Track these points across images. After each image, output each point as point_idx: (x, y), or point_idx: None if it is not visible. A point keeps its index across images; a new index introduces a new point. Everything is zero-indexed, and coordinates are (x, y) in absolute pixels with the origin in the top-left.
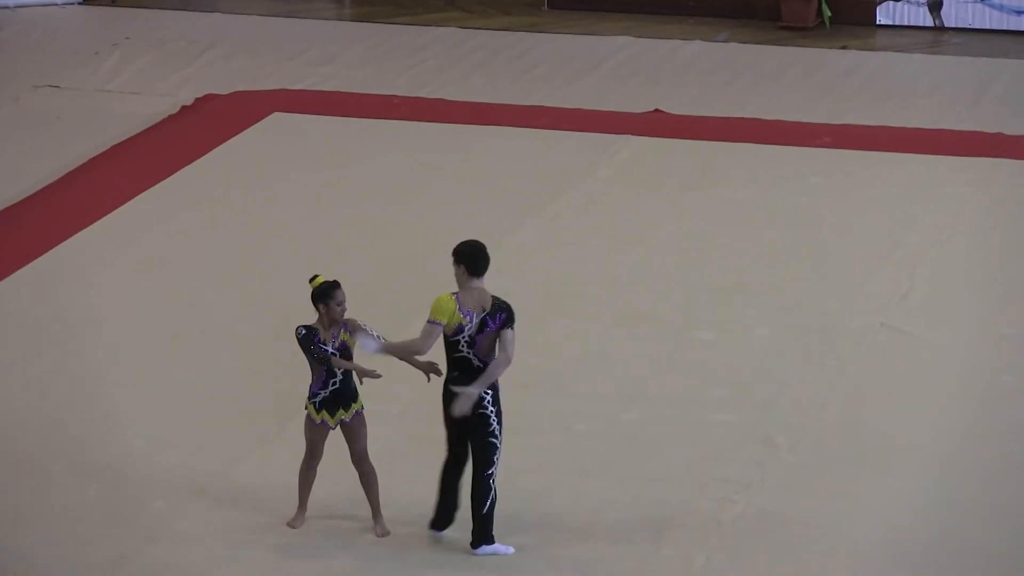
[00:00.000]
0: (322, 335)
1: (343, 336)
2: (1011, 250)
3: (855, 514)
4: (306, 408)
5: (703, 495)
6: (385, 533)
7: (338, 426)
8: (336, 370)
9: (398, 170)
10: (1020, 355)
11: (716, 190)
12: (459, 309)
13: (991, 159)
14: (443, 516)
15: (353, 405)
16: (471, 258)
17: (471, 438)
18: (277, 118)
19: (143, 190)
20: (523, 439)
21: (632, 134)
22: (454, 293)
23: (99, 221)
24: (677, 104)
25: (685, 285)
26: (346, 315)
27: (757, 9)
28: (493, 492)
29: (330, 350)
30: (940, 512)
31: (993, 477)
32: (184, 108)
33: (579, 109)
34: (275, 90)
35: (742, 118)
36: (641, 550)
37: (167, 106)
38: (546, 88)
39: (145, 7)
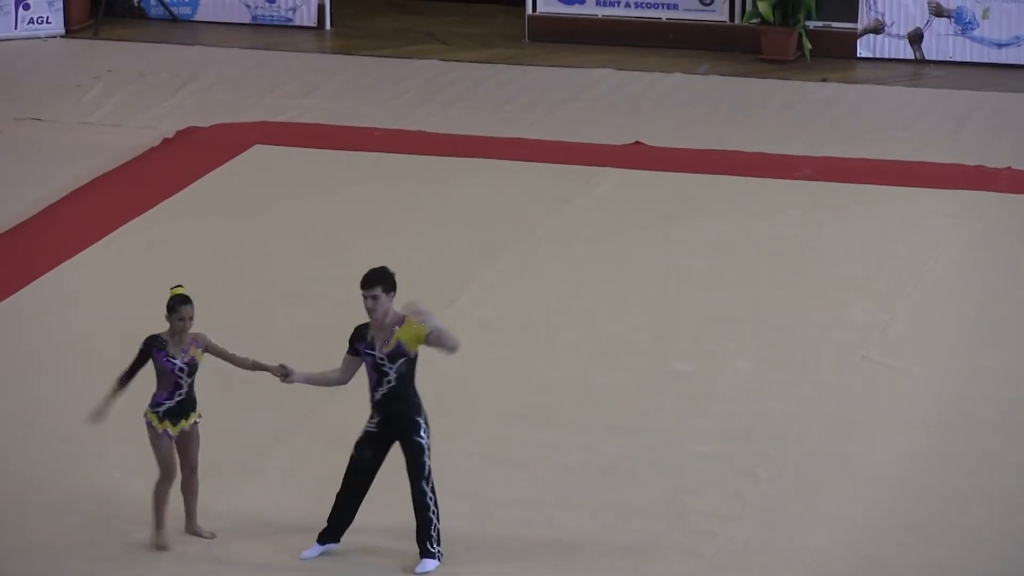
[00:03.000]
0: (169, 348)
1: (193, 351)
2: (991, 283)
3: (835, 545)
4: (146, 416)
5: (683, 527)
6: (211, 535)
7: (178, 435)
8: (182, 382)
9: (378, 201)
10: (999, 387)
11: (696, 222)
12: None
13: (971, 191)
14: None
15: (192, 415)
16: (393, 281)
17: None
18: (258, 150)
19: (125, 222)
20: (504, 471)
21: (612, 166)
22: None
23: (82, 252)
24: (657, 136)
25: (665, 316)
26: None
27: (737, 42)
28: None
29: (178, 363)
30: (920, 541)
31: (970, 506)
32: (166, 140)
33: (559, 141)
34: (256, 122)
35: (722, 150)
36: None
37: (149, 138)
38: (526, 120)
39: (127, 40)
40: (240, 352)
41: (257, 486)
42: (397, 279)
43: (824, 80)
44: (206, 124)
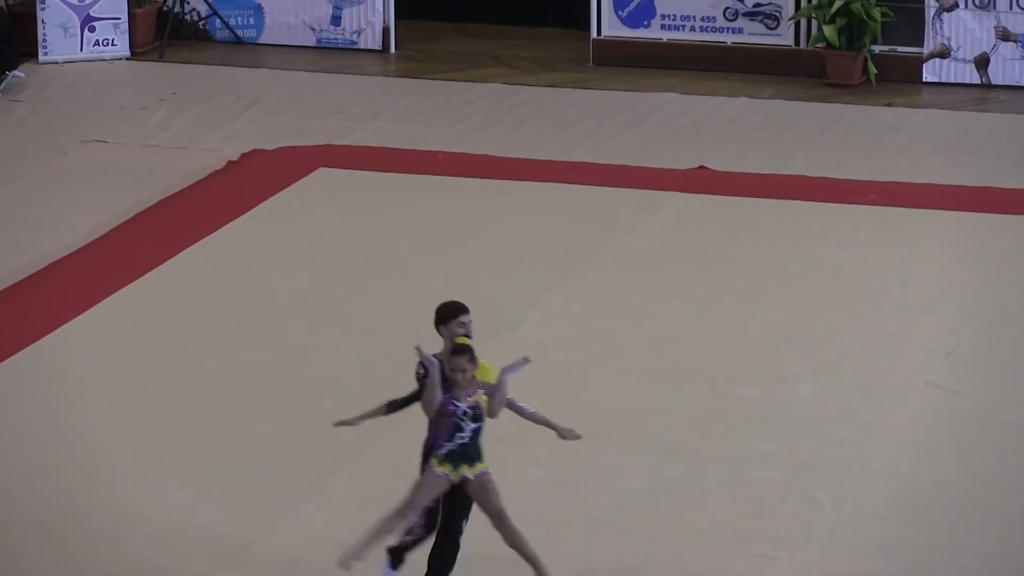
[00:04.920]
0: (456, 391)
1: (478, 396)
2: None
3: (896, 571)
4: (429, 463)
5: (746, 551)
6: None
7: (460, 482)
8: (464, 426)
9: (442, 224)
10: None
11: (759, 246)
12: None
13: None
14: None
15: (478, 464)
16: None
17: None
18: (323, 173)
19: (189, 244)
20: (564, 493)
21: (677, 190)
22: None
23: (146, 275)
24: (722, 160)
25: (727, 340)
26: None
27: (802, 66)
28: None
29: (461, 407)
30: (981, 566)
31: None
32: (230, 163)
33: (623, 165)
34: (321, 145)
35: (786, 175)
36: None
37: (213, 161)
38: (590, 144)
39: (192, 62)
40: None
41: (322, 507)
42: (467, 304)
43: (890, 104)
44: (270, 147)
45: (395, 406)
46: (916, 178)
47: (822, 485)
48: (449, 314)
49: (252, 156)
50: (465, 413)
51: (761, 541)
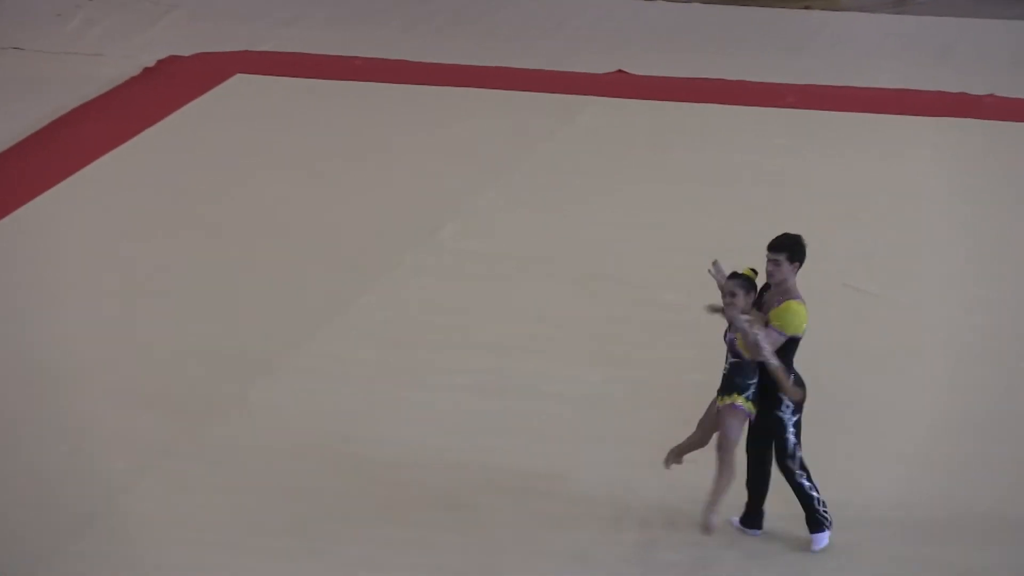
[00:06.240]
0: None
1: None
2: (977, 210)
3: (819, 472)
4: (733, 401)
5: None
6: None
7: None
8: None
9: (360, 131)
10: (986, 315)
11: (680, 151)
12: None
13: (956, 119)
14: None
15: (727, 397)
16: (802, 251)
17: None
18: (240, 79)
19: (106, 152)
20: (490, 401)
21: (595, 95)
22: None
23: (63, 182)
24: (641, 65)
25: (651, 247)
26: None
27: None
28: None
29: (730, 336)
30: (912, 470)
31: (960, 435)
32: (146, 70)
33: (541, 70)
34: (238, 51)
35: (705, 78)
36: (605, 511)
37: (129, 68)
38: (509, 49)
39: None
40: None
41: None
42: (390, 212)
43: (807, 7)
44: (188, 54)
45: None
46: (835, 81)
47: None
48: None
49: (169, 63)
50: (732, 342)
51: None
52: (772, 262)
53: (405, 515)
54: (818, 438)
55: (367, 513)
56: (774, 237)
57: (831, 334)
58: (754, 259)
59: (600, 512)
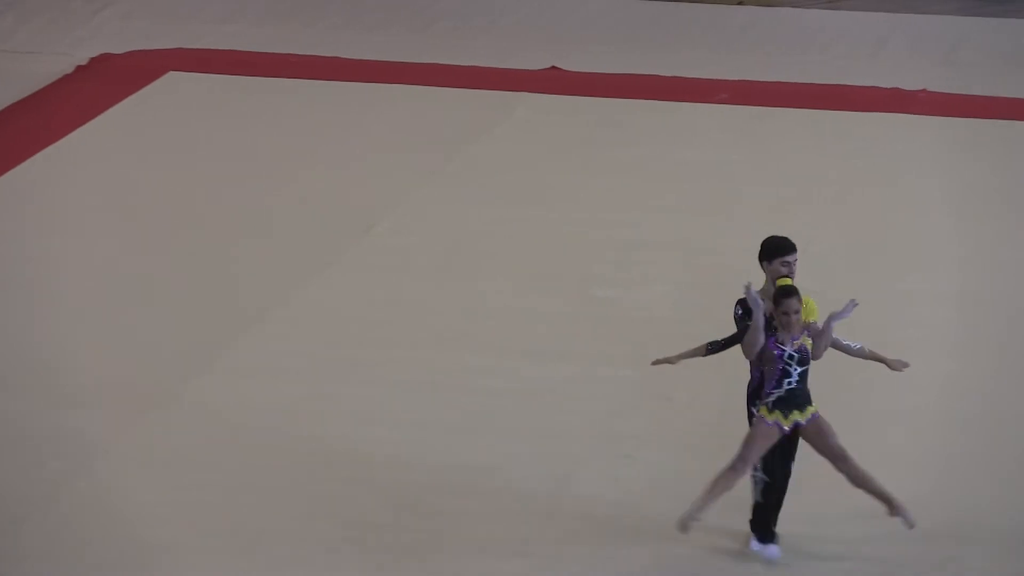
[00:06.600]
0: (779, 334)
1: (804, 339)
2: (911, 204)
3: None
4: (755, 409)
5: (603, 450)
6: (910, 524)
7: (791, 428)
8: (791, 369)
9: (296, 128)
10: (919, 308)
11: (615, 147)
12: None
13: (888, 114)
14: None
15: (808, 408)
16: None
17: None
18: (173, 77)
19: (39, 150)
20: (424, 396)
21: (529, 91)
22: None
23: None
24: (575, 61)
25: (585, 242)
26: None
27: None
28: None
29: (787, 351)
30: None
31: (889, 428)
32: (79, 68)
33: (476, 66)
34: (172, 49)
35: (639, 74)
36: (541, 505)
37: (63, 66)
38: (444, 46)
39: None
40: None
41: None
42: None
43: (740, 3)
44: (121, 51)
45: (715, 347)
46: (768, 77)
47: (677, 384)
48: (777, 250)
49: (102, 60)
50: (791, 357)
51: (617, 440)
52: (792, 264)
53: (341, 512)
54: None
55: (303, 510)
56: (784, 238)
57: None
58: (693, 253)
59: (538, 506)
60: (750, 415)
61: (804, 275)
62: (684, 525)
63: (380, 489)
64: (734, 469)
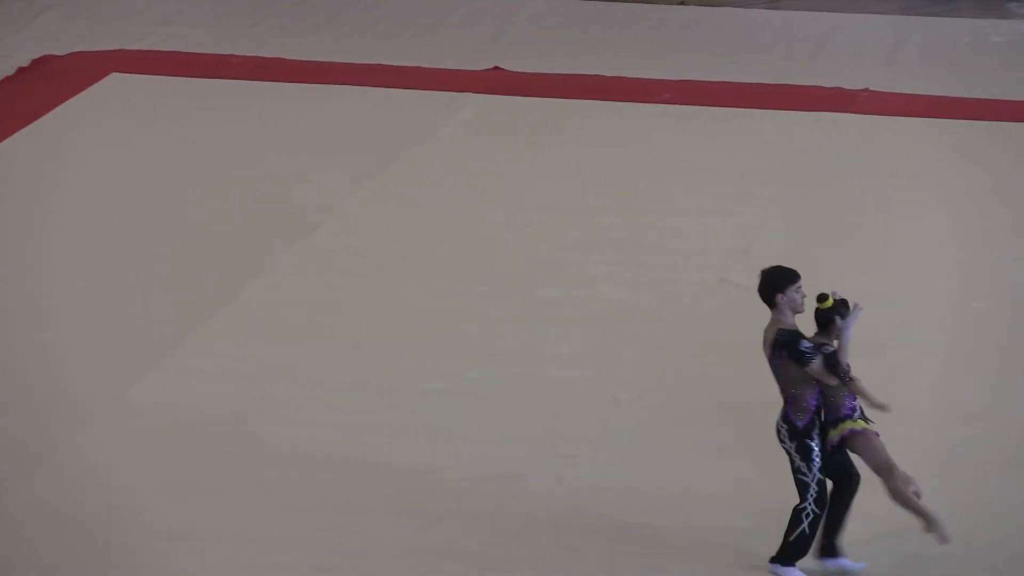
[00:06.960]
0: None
1: None
2: (854, 203)
3: (692, 468)
4: (848, 428)
5: (547, 451)
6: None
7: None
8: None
9: (240, 129)
10: (868, 307)
11: (559, 147)
12: None
13: (831, 113)
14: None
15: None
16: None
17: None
18: (116, 78)
19: None
20: (367, 398)
21: (472, 91)
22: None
23: None
24: (517, 62)
25: (529, 242)
26: None
27: None
28: (803, 527)
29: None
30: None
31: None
32: (20, 70)
33: (418, 67)
34: (114, 50)
35: (582, 75)
36: (486, 507)
37: (4, 67)
38: (387, 46)
39: None
40: None
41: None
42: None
43: (683, 3)
44: (63, 53)
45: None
46: (711, 76)
47: (622, 384)
48: (790, 278)
49: (44, 62)
50: (848, 367)
51: (562, 441)
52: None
53: (282, 513)
54: None
55: (244, 511)
56: (784, 267)
57: (711, 328)
58: (637, 252)
59: (476, 508)
60: (798, 439)
61: (747, 277)
62: (943, 537)
63: (322, 491)
64: (892, 476)
